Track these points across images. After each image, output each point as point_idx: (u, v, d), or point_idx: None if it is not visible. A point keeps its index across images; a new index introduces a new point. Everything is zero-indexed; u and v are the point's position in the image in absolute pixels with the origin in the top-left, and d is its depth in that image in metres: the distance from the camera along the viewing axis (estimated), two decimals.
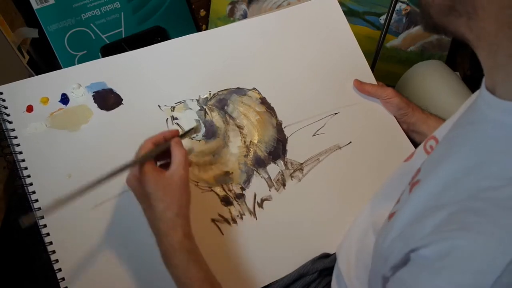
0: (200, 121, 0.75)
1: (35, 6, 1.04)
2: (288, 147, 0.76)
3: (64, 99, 0.72)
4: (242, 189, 0.72)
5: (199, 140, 0.74)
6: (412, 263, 0.42)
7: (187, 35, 0.81)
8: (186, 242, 0.57)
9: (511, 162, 0.39)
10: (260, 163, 0.74)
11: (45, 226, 0.65)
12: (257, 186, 0.73)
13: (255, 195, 0.72)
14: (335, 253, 0.69)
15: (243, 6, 1.22)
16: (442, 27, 0.44)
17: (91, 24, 1.12)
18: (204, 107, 0.76)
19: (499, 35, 0.38)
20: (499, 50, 0.39)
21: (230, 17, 1.23)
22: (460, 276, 0.37)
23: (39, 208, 0.65)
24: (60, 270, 0.63)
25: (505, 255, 0.36)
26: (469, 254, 0.37)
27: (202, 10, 1.25)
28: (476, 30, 0.40)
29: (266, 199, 0.72)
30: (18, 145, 0.68)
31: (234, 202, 0.71)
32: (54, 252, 0.64)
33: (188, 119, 0.75)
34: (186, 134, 0.69)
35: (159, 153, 0.61)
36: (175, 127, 0.74)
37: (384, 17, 1.19)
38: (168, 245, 0.57)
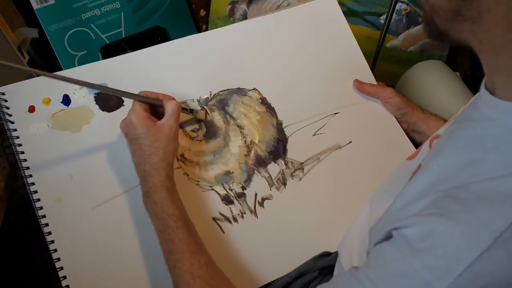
0: (203, 120, 0.75)
1: (35, 6, 1.04)
2: (288, 146, 0.77)
3: (66, 100, 0.72)
4: (243, 188, 0.73)
5: (200, 140, 0.74)
6: (393, 239, 0.45)
7: (188, 36, 0.81)
8: (167, 182, 0.62)
9: (504, 160, 0.40)
10: (260, 163, 0.75)
11: (46, 225, 0.65)
12: (258, 185, 0.73)
13: (256, 194, 0.72)
14: (336, 252, 0.69)
15: (243, 6, 1.22)
16: (445, 34, 0.45)
17: (91, 24, 1.12)
18: (205, 107, 0.77)
19: (505, 37, 0.39)
20: (503, 52, 0.40)
21: (230, 17, 1.23)
22: (433, 259, 0.39)
23: (41, 208, 0.66)
24: (61, 268, 0.64)
25: (478, 245, 0.37)
26: (445, 240, 0.39)
27: (202, 10, 1.25)
28: (479, 34, 0.41)
29: (267, 198, 0.72)
30: (20, 145, 0.68)
31: (235, 201, 0.72)
32: (55, 251, 0.64)
33: (189, 119, 0.75)
34: (186, 110, 0.73)
35: (154, 110, 0.68)
36: None
37: (384, 17, 1.19)
38: (151, 183, 0.61)
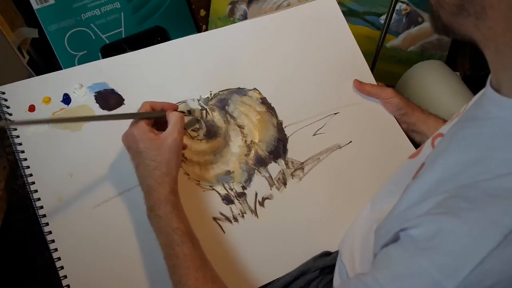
0: (202, 121, 0.76)
1: (35, 6, 1.04)
2: (288, 146, 0.77)
3: (66, 99, 0.72)
4: (243, 188, 0.73)
5: (200, 140, 0.74)
6: (400, 241, 0.44)
7: (188, 36, 0.81)
8: (172, 197, 0.61)
9: (510, 157, 0.40)
10: (261, 162, 0.75)
11: (47, 224, 0.65)
12: (258, 185, 0.73)
13: (256, 194, 0.72)
14: (336, 251, 0.69)
15: (243, 6, 1.22)
16: (450, 28, 0.44)
17: (91, 24, 1.12)
18: (205, 107, 0.77)
19: (507, 35, 0.39)
20: (506, 49, 0.40)
21: (230, 17, 1.23)
22: (442, 257, 0.39)
23: (42, 207, 0.66)
24: (62, 268, 0.64)
25: (488, 243, 0.37)
26: (453, 238, 0.39)
27: (202, 10, 1.25)
28: (484, 30, 0.41)
29: (267, 198, 0.72)
30: (20, 144, 0.68)
31: (235, 201, 0.72)
32: (56, 250, 0.64)
33: (189, 119, 0.75)
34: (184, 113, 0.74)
35: (156, 120, 0.67)
36: None
37: (384, 17, 1.19)
38: (155, 198, 0.61)
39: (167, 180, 0.62)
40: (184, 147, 0.72)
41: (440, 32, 0.47)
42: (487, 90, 0.46)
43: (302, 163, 0.76)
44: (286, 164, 0.75)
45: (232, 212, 0.71)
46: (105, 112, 0.73)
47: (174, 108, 0.69)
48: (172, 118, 0.65)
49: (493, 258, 0.37)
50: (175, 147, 0.63)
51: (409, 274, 0.41)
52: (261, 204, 0.72)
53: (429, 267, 0.39)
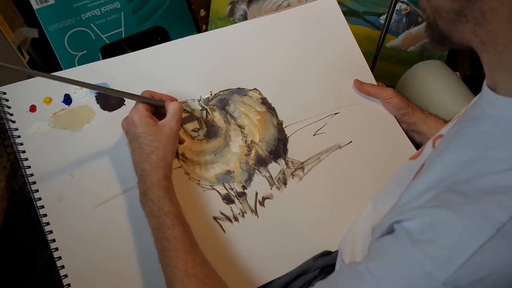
0: (202, 121, 0.76)
1: (35, 6, 1.04)
2: (289, 146, 0.77)
3: (67, 100, 0.72)
4: (244, 187, 0.73)
5: (201, 140, 0.75)
6: (394, 233, 0.45)
7: (189, 36, 0.81)
8: (165, 182, 0.62)
9: (506, 155, 0.41)
10: (261, 162, 0.75)
11: (48, 224, 0.65)
12: (259, 184, 0.73)
13: (256, 194, 0.73)
14: (336, 251, 0.69)
15: (243, 6, 1.22)
16: (447, 36, 0.45)
17: (91, 24, 1.12)
18: (206, 107, 0.77)
19: (508, 36, 0.39)
20: (506, 51, 0.41)
21: (230, 17, 1.23)
22: (435, 250, 0.40)
23: (42, 207, 0.66)
24: (63, 267, 0.64)
25: (480, 236, 0.38)
26: (446, 231, 0.40)
27: (202, 10, 1.26)
28: (482, 34, 0.41)
29: (267, 198, 0.73)
30: (21, 144, 0.68)
31: (236, 201, 0.72)
32: (57, 249, 0.65)
33: (189, 119, 0.75)
34: (186, 111, 0.74)
35: (157, 111, 0.68)
36: None
37: (384, 17, 1.19)
38: (149, 182, 0.62)
39: (162, 165, 0.63)
40: (181, 141, 0.73)
41: (436, 42, 0.48)
42: (483, 90, 0.47)
43: (303, 163, 0.76)
44: (287, 164, 0.76)
45: (233, 211, 0.71)
46: (106, 112, 0.73)
47: (173, 100, 0.70)
48: (171, 108, 0.67)
49: (484, 251, 0.37)
50: (172, 134, 0.65)
51: (401, 264, 0.41)
52: (262, 203, 0.72)
53: (421, 258, 0.40)
